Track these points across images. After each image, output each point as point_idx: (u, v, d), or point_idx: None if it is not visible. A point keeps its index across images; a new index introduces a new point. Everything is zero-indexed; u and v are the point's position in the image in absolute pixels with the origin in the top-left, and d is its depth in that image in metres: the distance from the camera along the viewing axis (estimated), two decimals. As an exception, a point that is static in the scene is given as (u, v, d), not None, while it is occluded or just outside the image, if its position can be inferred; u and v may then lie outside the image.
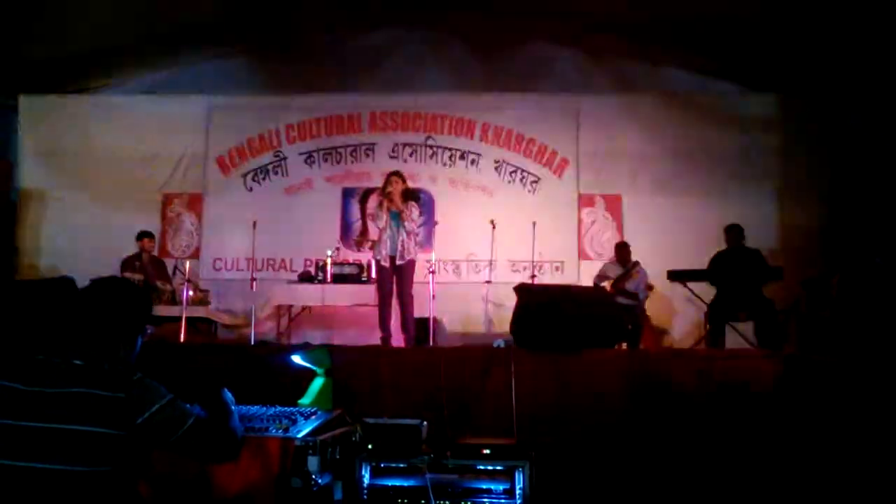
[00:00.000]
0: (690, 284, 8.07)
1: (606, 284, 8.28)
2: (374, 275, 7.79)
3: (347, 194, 9.61)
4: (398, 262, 7.19)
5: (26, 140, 9.67)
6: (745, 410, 5.06)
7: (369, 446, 3.68)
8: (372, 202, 8.77)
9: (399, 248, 7.17)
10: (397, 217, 7.22)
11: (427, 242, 8.41)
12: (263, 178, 9.74)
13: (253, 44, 9.86)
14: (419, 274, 7.48)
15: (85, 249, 9.07)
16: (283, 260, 9.39)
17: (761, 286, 7.53)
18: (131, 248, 8.36)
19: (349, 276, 8.27)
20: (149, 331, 2.51)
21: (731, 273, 7.59)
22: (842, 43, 7.94)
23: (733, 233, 7.80)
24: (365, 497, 3.67)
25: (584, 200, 9.46)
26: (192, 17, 8.65)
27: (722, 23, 8.19)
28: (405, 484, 3.73)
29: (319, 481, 2.91)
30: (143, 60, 9.74)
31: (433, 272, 7.63)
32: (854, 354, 5.62)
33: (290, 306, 8.67)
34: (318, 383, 3.71)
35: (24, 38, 8.38)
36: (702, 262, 7.90)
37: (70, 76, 9.67)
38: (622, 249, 8.45)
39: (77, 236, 9.36)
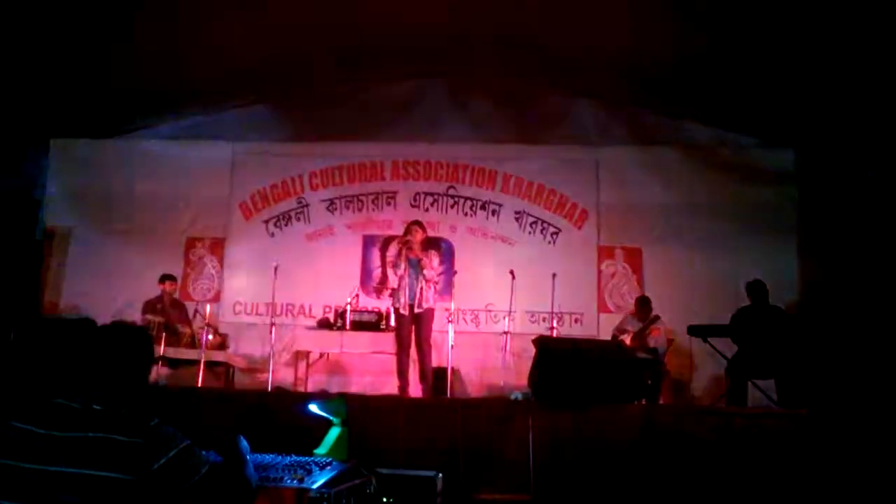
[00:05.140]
0: (711, 340, 7.99)
1: (626, 338, 8.22)
2: (392, 323, 7.78)
3: (368, 242, 9.66)
4: (416, 311, 7.18)
5: (54, 181, 9.83)
6: (766, 468, 4.97)
7: (384, 499, 3.64)
8: (392, 250, 8.81)
9: (418, 295, 7.17)
10: (416, 265, 7.23)
11: (446, 291, 8.39)
12: (285, 224, 9.82)
13: (278, 92, 10.02)
14: (438, 323, 7.46)
15: (107, 290, 9.17)
16: (302, 306, 9.41)
17: (784, 344, 7.44)
18: (153, 290, 8.42)
19: (368, 323, 8.27)
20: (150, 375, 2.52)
21: (755, 330, 7.51)
22: (861, 96, 7.96)
23: (756, 290, 7.73)
24: (378, 551, 3.62)
25: (604, 252, 9.44)
26: (218, 66, 8.83)
27: (741, 76, 8.25)
28: (419, 538, 3.68)
29: (333, 534, 2.87)
30: (169, 107, 9.92)
31: (452, 321, 7.61)
32: (877, 412, 5.53)
33: (309, 352, 8.65)
34: (334, 433, 3.69)
35: (57, 84, 8.59)
36: (721, 317, 7.82)
37: (99, 121, 9.87)
38: (643, 304, 8.39)
39: (100, 277, 9.44)
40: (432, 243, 7.71)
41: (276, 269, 8.14)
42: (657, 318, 8.25)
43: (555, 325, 8.47)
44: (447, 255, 9.18)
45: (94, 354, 2.38)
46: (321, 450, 3.59)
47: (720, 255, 9.03)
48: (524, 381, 6.16)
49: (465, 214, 9.66)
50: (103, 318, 2.73)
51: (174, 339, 8.01)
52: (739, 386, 7.38)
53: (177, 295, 8.76)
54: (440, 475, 3.88)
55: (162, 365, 7.63)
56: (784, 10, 6.90)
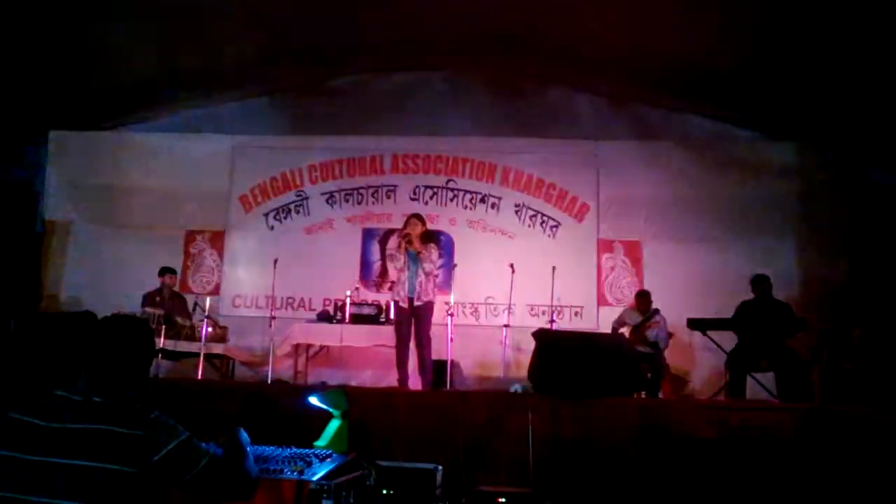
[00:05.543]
0: (711, 333, 8.00)
1: (625, 330, 8.23)
2: (392, 316, 7.77)
3: (368, 235, 9.66)
4: (416, 304, 7.15)
5: (54, 173, 9.82)
6: (765, 462, 4.98)
7: (384, 491, 3.65)
8: (392, 243, 8.80)
9: (417, 289, 7.14)
10: (416, 258, 7.21)
11: (446, 285, 8.38)
12: (285, 217, 9.81)
13: (277, 85, 10.01)
14: (437, 316, 7.44)
15: (107, 283, 9.17)
16: (302, 299, 9.42)
17: (785, 338, 7.44)
18: (153, 283, 8.41)
19: (368, 316, 8.27)
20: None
21: (758, 323, 7.51)
22: (863, 92, 7.95)
23: (760, 283, 7.73)
24: (378, 542, 3.63)
25: (604, 246, 9.44)
26: (217, 58, 8.82)
27: (742, 71, 8.23)
28: (419, 530, 3.69)
29: (333, 526, 2.88)
30: (169, 100, 9.92)
31: (452, 314, 7.60)
32: (876, 406, 5.54)
33: (308, 345, 8.66)
34: (333, 425, 3.69)
35: (56, 76, 8.57)
36: (721, 311, 7.83)
37: (98, 113, 9.86)
38: (643, 298, 8.40)
39: (100, 270, 9.44)
40: (432, 236, 7.69)
41: (275, 262, 8.15)
42: (657, 311, 8.26)
43: (554, 318, 8.47)
44: (447, 249, 9.18)
45: (94, 346, 2.38)
46: (321, 442, 3.60)
47: (720, 249, 9.05)
48: (524, 373, 6.17)
49: (465, 208, 9.66)
50: (103, 311, 2.73)
51: (174, 332, 8.00)
52: (738, 378, 7.39)
53: (177, 288, 8.75)
54: (440, 467, 3.89)
55: (162, 357, 7.63)
56: (786, 4, 6.91)
